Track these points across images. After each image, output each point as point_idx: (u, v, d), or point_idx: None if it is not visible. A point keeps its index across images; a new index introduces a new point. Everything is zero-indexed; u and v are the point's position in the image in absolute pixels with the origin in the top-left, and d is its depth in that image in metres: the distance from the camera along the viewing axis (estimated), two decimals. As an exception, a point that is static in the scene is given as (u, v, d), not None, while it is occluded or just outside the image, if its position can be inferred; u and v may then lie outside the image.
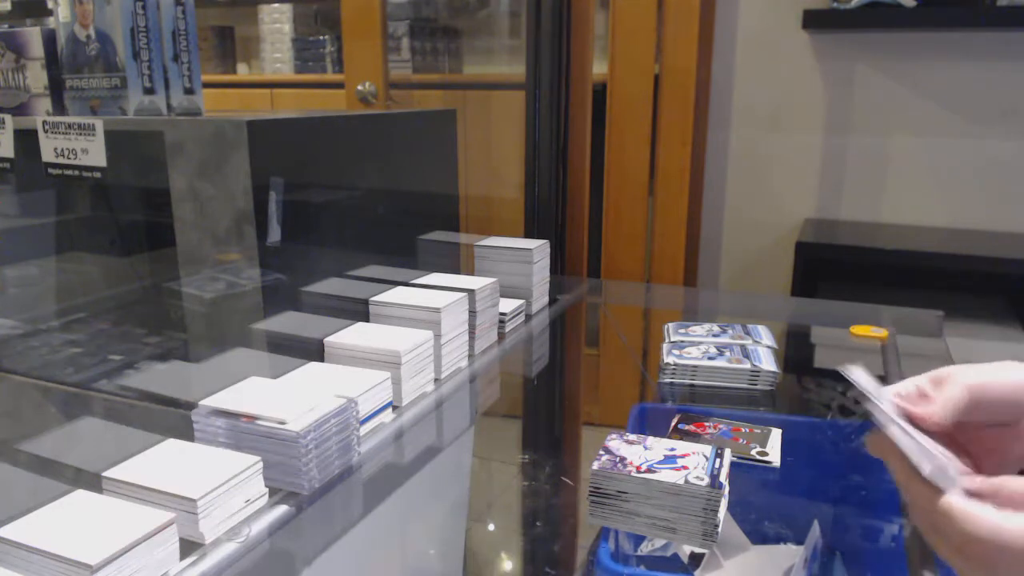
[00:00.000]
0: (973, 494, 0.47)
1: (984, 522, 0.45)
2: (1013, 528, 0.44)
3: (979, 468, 0.55)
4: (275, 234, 1.02)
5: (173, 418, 0.99)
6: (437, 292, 1.19)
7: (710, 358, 1.20)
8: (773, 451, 0.96)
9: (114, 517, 0.69)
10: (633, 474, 0.76)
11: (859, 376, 0.53)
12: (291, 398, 0.87)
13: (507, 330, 1.34)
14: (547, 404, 1.33)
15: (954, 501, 0.47)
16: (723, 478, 0.77)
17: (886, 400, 0.54)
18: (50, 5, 1.18)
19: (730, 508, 0.82)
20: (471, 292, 1.21)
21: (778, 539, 0.95)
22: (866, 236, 2.00)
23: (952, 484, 0.49)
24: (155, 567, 0.67)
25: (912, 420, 0.54)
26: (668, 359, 1.20)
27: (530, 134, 1.83)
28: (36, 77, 1.20)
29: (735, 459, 0.94)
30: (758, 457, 0.95)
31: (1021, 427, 0.54)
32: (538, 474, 1.02)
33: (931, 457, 0.50)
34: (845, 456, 1.05)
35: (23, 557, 0.65)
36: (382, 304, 1.16)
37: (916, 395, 0.55)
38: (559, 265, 1.92)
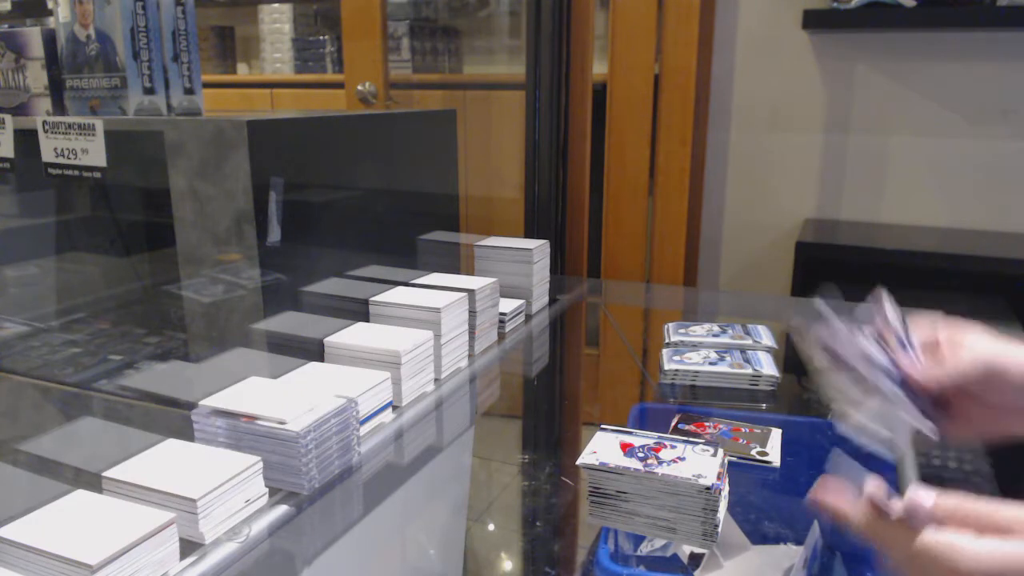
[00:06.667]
0: (936, 520, 0.46)
1: (970, 550, 0.43)
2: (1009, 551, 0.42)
3: (953, 425, 0.55)
4: (275, 234, 1.02)
5: (173, 418, 0.99)
6: (437, 292, 1.19)
7: (711, 363, 1.20)
8: (773, 451, 0.96)
9: (114, 517, 0.69)
10: (632, 473, 0.76)
11: (824, 309, 0.51)
12: (291, 398, 0.87)
13: (507, 330, 1.34)
14: (547, 404, 1.33)
15: (930, 539, 0.45)
16: (722, 478, 0.77)
17: (873, 344, 0.52)
18: (50, 5, 1.18)
19: (730, 508, 0.82)
20: (471, 292, 1.21)
21: (778, 539, 0.95)
22: (866, 236, 2.00)
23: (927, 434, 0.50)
24: (155, 567, 0.67)
25: (904, 376, 0.51)
26: (669, 365, 1.20)
27: (530, 134, 1.83)
28: (36, 77, 1.20)
29: (735, 459, 0.94)
30: (758, 457, 0.95)
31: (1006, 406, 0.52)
32: (538, 474, 1.02)
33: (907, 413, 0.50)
34: (845, 456, 1.05)
35: (23, 557, 0.65)
36: (382, 304, 1.16)
37: (928, 344, 0.54)
38: (559, 265, 1.92)
